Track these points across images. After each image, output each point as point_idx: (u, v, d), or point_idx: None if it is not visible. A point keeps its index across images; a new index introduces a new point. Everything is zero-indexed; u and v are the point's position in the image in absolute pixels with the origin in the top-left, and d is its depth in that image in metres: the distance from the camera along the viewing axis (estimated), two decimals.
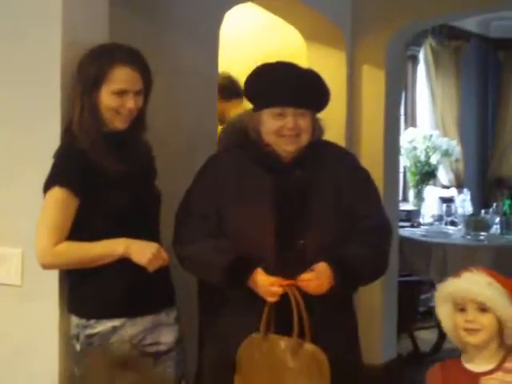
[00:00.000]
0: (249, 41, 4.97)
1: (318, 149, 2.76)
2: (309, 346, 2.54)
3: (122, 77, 2.49)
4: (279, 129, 2.68)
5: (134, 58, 2.53)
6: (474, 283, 2.33)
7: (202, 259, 2.68)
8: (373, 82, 4.89)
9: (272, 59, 4.63)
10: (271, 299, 2.57)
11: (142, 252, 2.45)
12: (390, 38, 4.88)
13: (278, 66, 2.75)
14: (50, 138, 2.52)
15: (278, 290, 2.56)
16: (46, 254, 2.42)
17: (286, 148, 2.70)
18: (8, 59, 2.61)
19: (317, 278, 2.58)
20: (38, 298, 2.57)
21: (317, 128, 2.75)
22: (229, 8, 3.75)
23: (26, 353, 2.61)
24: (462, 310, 2.35)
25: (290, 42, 4.93)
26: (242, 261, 2.63)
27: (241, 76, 4.89)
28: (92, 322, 2.47)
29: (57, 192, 2.41)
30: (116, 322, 2.48)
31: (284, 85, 2.68)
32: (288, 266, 2.65)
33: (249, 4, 4.23)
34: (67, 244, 2.43)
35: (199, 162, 2.83)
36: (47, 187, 2.43)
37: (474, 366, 2.37)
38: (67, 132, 2.50)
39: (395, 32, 4.90)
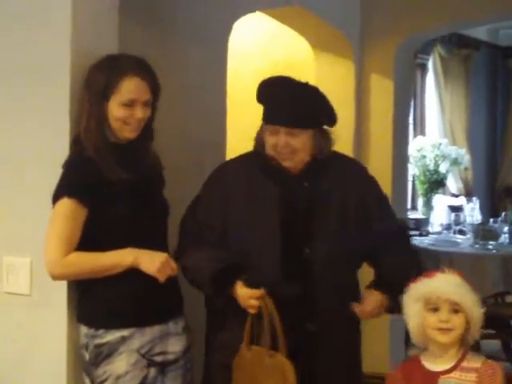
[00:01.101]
0: (257, 50, 4.98)
1: (326, 160, 2.76)
2: (279, 358, 2.55)
3: (131, 88, 2.49)
4: (274, 145, 2.69)
5: (143, 68, 2.54)
6: (449, 283, 2.38)
7: (196, 268, 2.69)
8: (381, 90, 4.90)
9: (280, 68, 4.68)
10: (251, 311, 2.60)
11: (151, 261, 2.46)
12: (398, 47, 4.90)
13: (278, 82, 2.74)
14: (59, 148, 2.53)
15: (255, 303, 2.59)
16: (55, 265, 2.42)
17: (284, 164, 2.71)
18: (18, 67, 2.62)
19: (372, 308, 2.72)
20: (47, 308, 2.57)
21: (322, 142, 2.72)
22: (237, 18, 3.76)
23: (35, 362, 2.61)
24: (435, 309, 2.39)
25: (298, 51, 4.94)
26: (228, 271, 2.64)
27: (249, 85, 4.92)
28: (101, 331, 2.48)
29: (65, 203, 2.42)
30: (125, 332, 2.48)
31: (278, 104, 2.68)
32: (294, 276, 2.67)
33: (257, 13, 4.24)
34: (76, 254, 2.43)
35: (207, 172, 2.84)
36: (56, 198, 2.44)
37: (433, 365, 2.41)
38: (76, 142, 2.51)
39: (403, 41, 4.91)
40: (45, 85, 2.58)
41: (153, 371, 2.52)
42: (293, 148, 2.67)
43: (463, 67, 7.88)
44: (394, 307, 2.75)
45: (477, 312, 2.37)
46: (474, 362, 2.38)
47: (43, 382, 2.60)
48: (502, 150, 8.74)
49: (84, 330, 2.52)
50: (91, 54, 2.57)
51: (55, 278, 2.46)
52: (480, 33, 7.96)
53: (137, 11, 3.05)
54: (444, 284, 2.38)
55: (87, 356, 2.51)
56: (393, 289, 2.69)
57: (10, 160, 2.64)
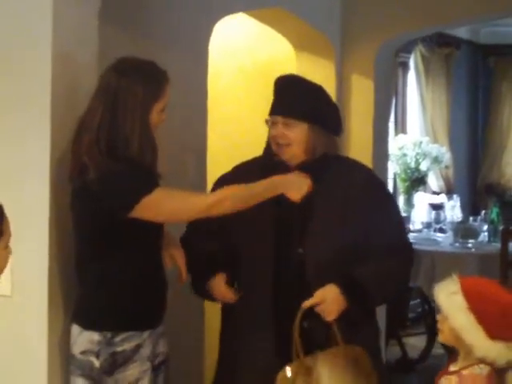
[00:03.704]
0: (239, 50, 5.00)
1: (327, 161, 2.77)
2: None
3: (168, 93, 2.56)
4: (273, 137, 2.74)
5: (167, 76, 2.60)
6: (440, 290, 2.39)
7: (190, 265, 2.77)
8: (361, 91, 4.93)
9: (262, 69, 4.71)
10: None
11: (298, 190, 2.59)
12: (378, 48, 4.92)
13: (285, 78, 2.82)
14: (39, 158, 2.54)
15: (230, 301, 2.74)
16: (206, 205, 2.52)
17: (282, 157, 2.74)
18: None
19: (321, 301, 2.60)
20: (28, 309, 2.59)
21: (316, 140, 2.73)
22: (218, 20, 3.78)
23: (16, 365, 2.62)
24: None
25: (280, 52, 4.96)
26: (210, 264, 2.76)
27: (232, 85, 4.95)
28: (117, 339, 2.49)
29: (156, 192, 2.47)
30: (139, 340, 2.51)
31: (278, 96, 2.76)
32: (286, 277, 2.70)
33: (239, 14, 4.27)
34: (227, 187, 2.57)
35: (189, 176, 2.87)
36: (136, 199, 2.44)
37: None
38: (112, 155, 2.47)
39: (384, 42, 4.94)
40: (26, 90, 2.59)
41: (152, 375, 2.57)
42: (288, 139, 2.71)
43: (444, 65, 7.93)
44: (362, 317, 2.67)
45: (465, 327, 2.32)
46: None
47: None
48: (483, 148, 8.80)
49: (95, 336, 2.50)
50: (72, 58, 2.59)
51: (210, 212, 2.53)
52: (461, 31, 8.00)
53: (115, 16, 3.06)
54: (437, 289, 2.40)
55: (97, 363, 2.50)
56: (357, 292, 2.62)
57: None
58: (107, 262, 2.52)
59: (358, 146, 4.87)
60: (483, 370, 2.32)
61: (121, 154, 2.47)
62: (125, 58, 2.57)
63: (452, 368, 2.41)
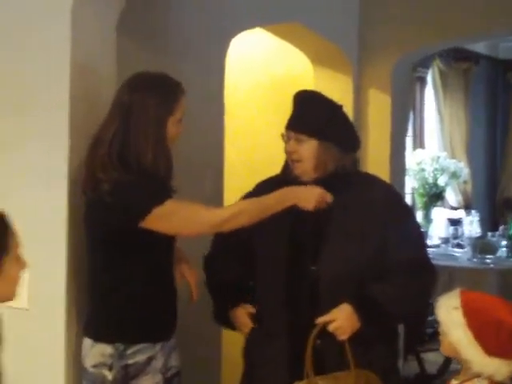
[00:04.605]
0: (256, 65, 5.02)
1: (344, 177, 2.74)
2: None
3: (184, 104, 2.57)
4: (287, 153, 2.76)
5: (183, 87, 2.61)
6: (441, 304, 2.39)
7: (211, 287, 2.84)
8: (379, 106, 4.94)
9: (279, 83, 4.72)
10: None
11: (308, 199, 2.59)
12: (396, 63, 4.93)
13: (303, 94, 2.82)
14: (58, 167, 2.56)
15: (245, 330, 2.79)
16: (220, 219, 2.53)
17: (295, 172, 2.74)
18: (17, 81, 2.65)
19: (335, 319, 2.59)
20: (45, 321, 2.60)
21: (325, 157, 2.70)
22: (235, 34, 3.80)
23: (33, 376, 2.63)
24: None
25: (297, 67, 4.98)
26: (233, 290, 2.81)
27: (249, 99, 4.96)
28: (129, 352, 2.48)
29: (170, 202, 2.47)
30: (152, 352, 2.51)
31: (293, 109, 2.77)
32: (298, 292, 2.68)
33: (256, 29, 4.29)
34: (240, 202, 2.62)
35: (205, 191, 2.86)
36: (147, 211, 2.44)
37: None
38: (125, 168, 2.48)
39: (401, 57, 4.95)
40: (44, 100, 2.61)
41: None
42: (299, 155, 2.71)
43: (462, 81, 7.90)
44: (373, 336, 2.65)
45: (461, 342, 2.32)
46: None
47: None
48: (501, 163, 8.76)
49: (108, 349, 2.49)
50: (91, 71, 2.61)
51: (223, 227, 2.55)
52: (479, 46, 7.98)
53: (133, 30, 3.08)
54: (439, 302, 2.40)
55: (110, 376, 2.49)
56: (371, 311, 2.60)
57: (9, 177, 2.66)
58: (117, 274, 2.52)
59: (375, 160, 4.86)
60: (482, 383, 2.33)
61: (134, 167, 2.47)
62: (138, 74, 2.59)
63: (454, 382, 2.40)
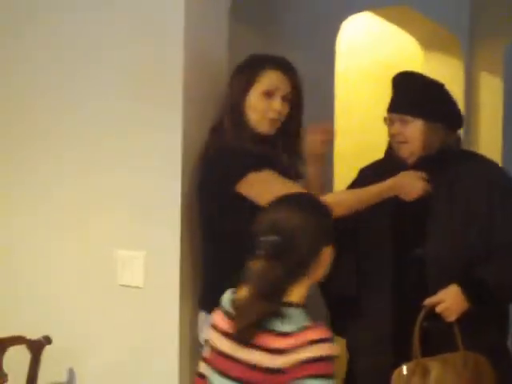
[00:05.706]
0: (365, 49, 4.98)
1: (448, 157, 2.72)
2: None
3: (272, 78, 2.57)
4: (391, 136, 2.75)
5: (285, 64, 2.61)
6: None
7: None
8: (490, 89, 4.85)
9: (388, 67, 4.68)
10: None
11: (412, 190, 2.61)
12: (508, 46, 4.82)
13: (404, 74, 2.80)
14: (172, 150, 2.60)
15: None
16: None
17: (400, 154, 2.73)
18: (133, 75, 2.70)
19: (443, 301, 2.56)
20: (160, 300, 2.64)
21: (431, 136, 2.70)
22: (345, 18, 3.79)
23: (148, 354, 2.68)
24: None
25: (406, 50, 4.92)
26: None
27: (356, 84, 4.93)
28: None
29: (265, 172, 2.47)
30: None
31: (395, 94, 2.76)
32: (406, 276, 2.67)
33: (364, 13, 4.26)
34: (339, 192, 2.65)
35: None
36: (243, 174, 2.45)
37: None
38: (216, 132, 2.58)
39: None
40: (158, 90, 2.65)
41: None
42: (404, 137, 2.69)
43: None
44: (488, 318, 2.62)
45: None
46: None
47: (155, 372, 2.66)
48: None
49: None
50: (203, 58, 2.65)
51: None
52: None
53: (245, 15, 3.11)
54: None
55: None
56: (479, 292, 2.56)
57: (127, 160, 2.72)
58: (220, 245, 2.54)
59: (487, 144, 4.78)
60: None
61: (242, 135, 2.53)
62: None
63: None
